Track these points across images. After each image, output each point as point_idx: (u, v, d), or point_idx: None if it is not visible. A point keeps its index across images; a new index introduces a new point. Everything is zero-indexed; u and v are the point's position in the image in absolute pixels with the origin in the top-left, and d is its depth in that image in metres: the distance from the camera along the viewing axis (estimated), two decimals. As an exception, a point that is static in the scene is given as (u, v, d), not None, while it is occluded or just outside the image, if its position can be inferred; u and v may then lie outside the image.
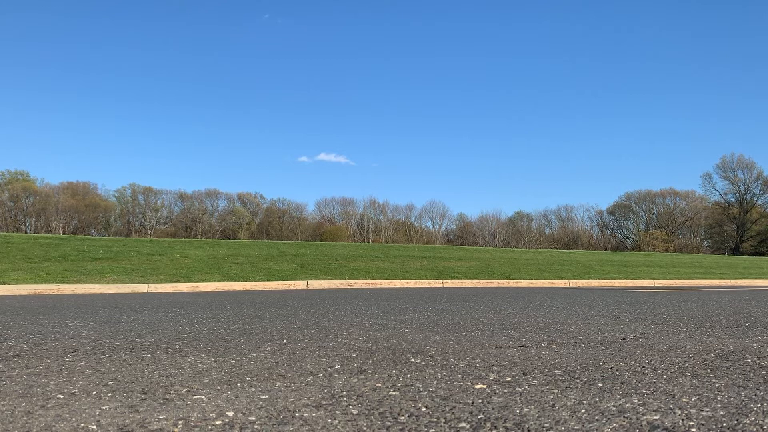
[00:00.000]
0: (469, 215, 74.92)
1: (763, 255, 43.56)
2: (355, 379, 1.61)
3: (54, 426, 1.15)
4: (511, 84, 76.29)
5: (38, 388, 1.50)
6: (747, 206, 59.48)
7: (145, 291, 8.50)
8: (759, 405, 1.31)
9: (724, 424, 1.15)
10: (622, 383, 1.55)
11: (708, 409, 1.27)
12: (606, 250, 52.74)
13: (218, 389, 1.49)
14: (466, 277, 11.75)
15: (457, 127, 76.85)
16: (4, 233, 20.46)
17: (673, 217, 62.06)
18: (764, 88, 68.92)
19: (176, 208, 63.45)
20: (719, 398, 1.37)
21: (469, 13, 72.92)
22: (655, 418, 1.20)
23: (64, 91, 70.57)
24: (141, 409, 1.28)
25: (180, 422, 1.18)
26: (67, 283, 8.54)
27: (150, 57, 72.78)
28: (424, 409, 1.28)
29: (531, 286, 10.90)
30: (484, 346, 2.27)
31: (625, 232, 64.93)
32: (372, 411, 1.27)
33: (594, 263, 16.05)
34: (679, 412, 1.25)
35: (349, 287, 9.80)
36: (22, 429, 1.13)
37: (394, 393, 1.44)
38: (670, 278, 13.17)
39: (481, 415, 1.23)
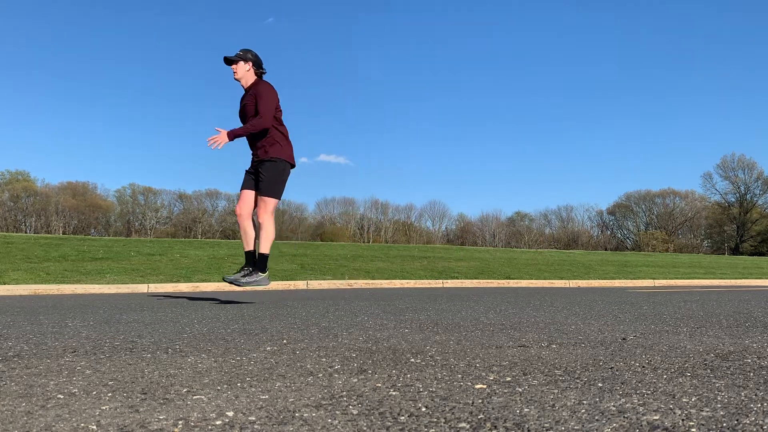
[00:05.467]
0: (469, 215, 74.97)
1: (764, 255, 43.52)
2: (355, 379, 1.61)
3: (54, 426, 1.15)
4: (512, 85, 76.22)
5: (38, 388, 1.49)
6: (747, 206, 59.39)
7: (145, 291, 8.49)
8: (759, 405, 1.31)
9: (724, 424, 1.15)
10: (622, 383, 1.55)
11: (708, 409, 1.27)
12: (606, 250, 52.69)
13: (218, 389, 1.49)
14: (466, 277, 11.74)
15: (457, 128, 76.82)
16: (4, 233, 20.44)
17: (673, 217, 62.00)
18: (764, 88, 68.84)
19: (176, 208, 63.36)
20: (719, 398, 1.37)
21: (470, 18, 72.86)
22: (655, 418, 1.20)
23: (64, 91, 70.49)
24: (141, 409, 1.28)
25: (180, 422, 1.18)
26: (67, 283, 8.53)
27: (151, 57, 72.71)
28: (424, 409, 1.28)
29: (531, 286, 10.90)
30: (484, 346, 2.27)
31: (625, 232, 64.89)
32: (372, 411, 1.27)
33: (594, 263, 16.05)
34: (679, 412, 1.25)
35: (349, 287, 9.79)
36: (22, 429, 1.13)
37: (394, 393, 1.44)
38: (670, 278, 13.17)
39: (481, 415, 1.23)
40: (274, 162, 4.89)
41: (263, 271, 4.89)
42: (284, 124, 5.09)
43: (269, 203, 4.88)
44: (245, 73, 5.01)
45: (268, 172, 4.89)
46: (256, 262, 4.91)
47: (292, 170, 5.10)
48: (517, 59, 77.87)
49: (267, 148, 4.92)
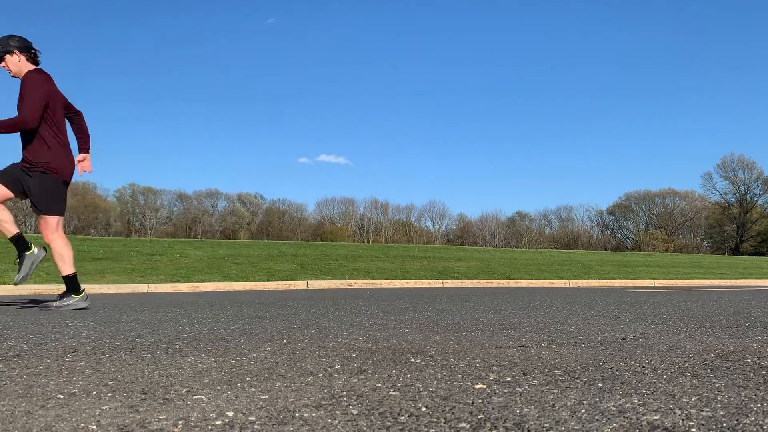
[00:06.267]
0: (469, 215, 75.01)
1: (764, 255, 43.54)
2: (355, 379, 1.61)
3: (54, 426, 1.15)
4: (511, 86, 76.30)
5: (38, 388, 1.50)
6: (747, 206, 59.39)
7: (145, 291, 8.49)
8: (759, 405, 1.31)
9: (724, 424, 1.15)
10: (622, 383, 1.55)
11: (708, 409, 1.27)
12: (606, 250, 52.72)
13: (218, 389, 1.49)
14: (466, 277, 11.75)
15: (457, 128, 76.91)
16: (4, 233, 20.34)
17: (673, 217, 62.00)
18: (765, 88, 68.87)
19: (176, 208, 63.41)
20: (719, 398, 1.37)
21: (469, 20, 72.93)
22: (655, 418, 1.20)
23: (64, 91, 70.25)
24: (141, 409, 1.28)
25: (180, 422, 1.18)
26: (67, 283, 8.52)
27: (150, 58, 72.78)
28: (424, 409, 1.28)
29: (531, 286, 10.91)
30: (484, 346, 2.27)
31: (625, 232, 64.92)
32: (372, 411, 1.27)
33: (594, 263, 16.05)
34: (679, 412, 1.25)
35: (349, 287, 9.80)
36: (22, 429, 1.13)
37: (394, 393, 1.44)
38: (670, 278, 13.18)
39: (481, 415, 1.23)
40: (44, 174, 4.15)
41: (77, 293, 4.32)
42: (64, 131, 4.28)
43: (49, 221, 4.20)
44: (18, 65, 4.15)
45: (36, 187, 4.15)
46: (67, 286, 4.34)
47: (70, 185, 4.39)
48: (518, 59, 77.86)
49: (36, 152, 4.15)
